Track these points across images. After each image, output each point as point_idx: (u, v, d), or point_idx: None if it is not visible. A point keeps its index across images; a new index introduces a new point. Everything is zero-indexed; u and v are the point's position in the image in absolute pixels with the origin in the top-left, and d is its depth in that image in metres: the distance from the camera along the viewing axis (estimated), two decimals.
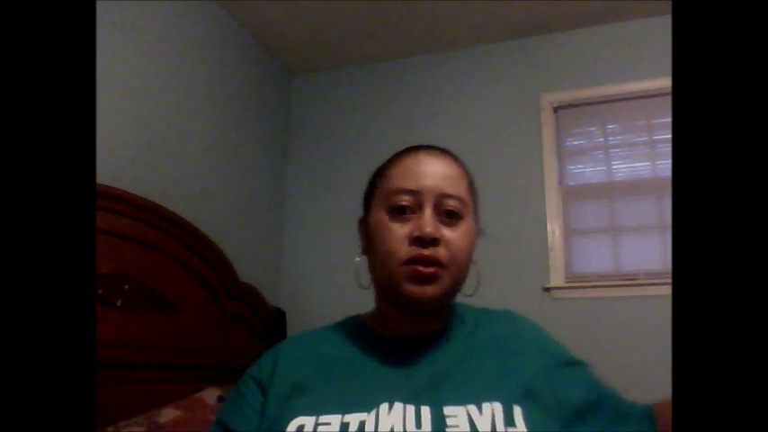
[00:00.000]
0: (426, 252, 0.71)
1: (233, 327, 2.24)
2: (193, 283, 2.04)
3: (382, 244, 0.74)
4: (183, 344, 1.94)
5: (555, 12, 2.58)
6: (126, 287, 1.72)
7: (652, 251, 2.39)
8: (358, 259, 0.80)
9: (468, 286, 0.79)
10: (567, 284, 2.45)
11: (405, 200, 0.74)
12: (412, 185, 0.74)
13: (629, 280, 2.39)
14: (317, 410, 0.67)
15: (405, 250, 0.72)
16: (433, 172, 0.75)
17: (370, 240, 0.78)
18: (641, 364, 2.14)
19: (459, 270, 0.74)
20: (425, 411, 0.64)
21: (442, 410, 0.64)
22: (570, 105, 2.65)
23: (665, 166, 2.47)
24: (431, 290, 0.72)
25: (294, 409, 0.68)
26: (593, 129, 2.63)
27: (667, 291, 2.24)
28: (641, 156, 2.54)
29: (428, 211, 0.73)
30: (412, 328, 0.77)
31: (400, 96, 2.93)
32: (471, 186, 0.80)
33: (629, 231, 2.46)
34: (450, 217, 0.74)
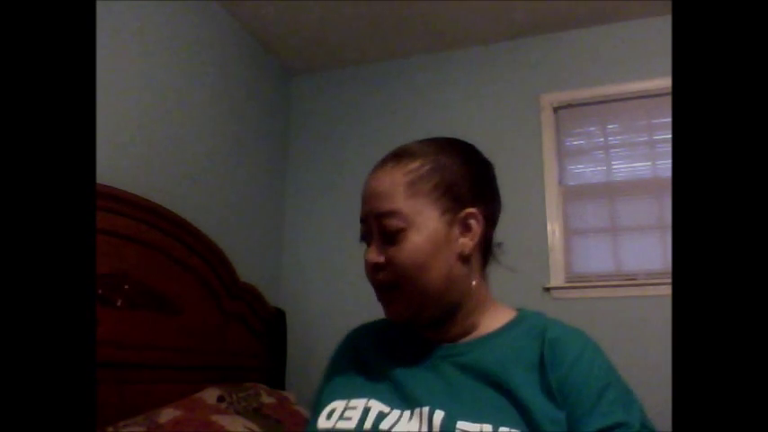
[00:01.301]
0: (375, 278, 0.74)
1: (233, 327, 2.24)
2: (193, 283, 2.04)
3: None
4: (183, 344, 1.94)
5: (555, 12, 2.58)
6: (126, 287, 1.72)
7: (652, 251, 2.39)
8: None
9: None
10: (567, 284, 2.45)
11: (362, 229, 0.76)
12: (361, 214, 0.76)
13: (629, 280, 2.39)
14: (348, 395, 0.72)
15: (369, 277, 0.75)
16: (369, 194, 0.75)
17: None
18: (641, 364, 2.14)
19: (417, 282, 0.70)
20: (438, 418, 0.64)
21: (455, 423, 0.63)
22: (570, 105, 2.65)
23: (665, 166, 2.47)
24: (393, 309, 0.74)
25: (331, 394, 0.74)
26: (593, 129, 2.63)
27: (667, 291, 2.24)
28: (641, 156, 2.54)
29: (374, 237, 0.74)
30: (434, 333, 0.77)
31: (400, 96, 2.93)
32: (418, 182, 0.72)
33: (629, 231, 2.46)
34: (390, 235, 0.71)
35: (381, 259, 0.72)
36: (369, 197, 0.75)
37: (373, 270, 0.73)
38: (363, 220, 0.76)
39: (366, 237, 0.76)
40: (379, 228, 0.72)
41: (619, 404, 0.65)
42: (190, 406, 1.62)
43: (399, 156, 0.76)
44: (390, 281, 0.72)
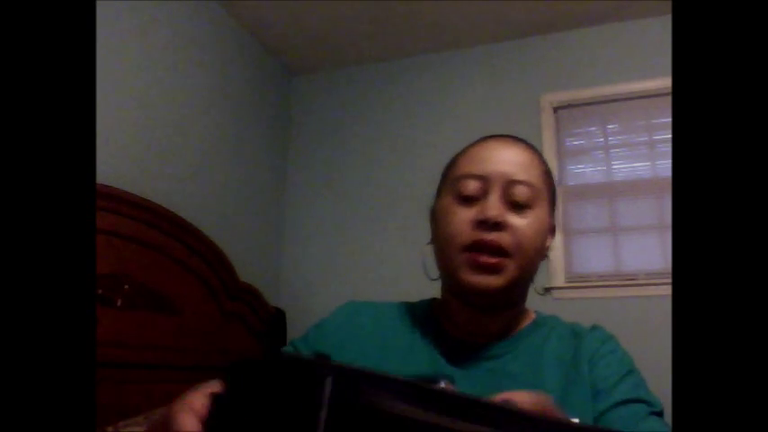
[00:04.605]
0: (489, 237, 0.67)
1: (233, 327, 2.24)
2: (193, 283, 2.04)
3: (444, 228, 0.71)
4: (182, 344, 1.94)
5: (555, 12, 2.58)
6: (126, 287, 1.72)
7: (652, 251, 2.39)
8: (426, 248, 0.77)
9: (539, 285, 0.78)
10: (567, 284, 2.45)
11: (471, 185, 0.71)
12: (478, 170, 0.71)
13: (629, 280, 2.38)
14: None
15: (467, 235, 0.68)
16: (501, 157, 0.72)
17: (435, 229, 0.75)
18: (641, 364, 2.14)
19: (527, 261, 0.69)
20: None
21: None
22: (570, 105, 2.65)
23: (665, 166, 2.47)
24: (493, 281, 0.67)
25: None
26: (593, 129, 2.63)
27: (667, 291, 2.24)
28: (641, 156, 2.54)
29: (494, 196, 0.69)
30: (474, 323, 0.73)
31: (400, 96, 2.93)
32: (546, 176, 0.75)
33: (629, 231, 2.46)
34: (518, 204, 0.69)
35: (506, 220, 0.68)
36: (504, 160, 0.71)
37: (493, 227, 0.67)
38: (481, 178, 0.70)
39: (469, 195, 0.70)
40: (508, 193, 0.69)
41: (642, 387, 0.68)
42: None
43: (528, 144, 0.77)
44: (508, 246, 0.67)
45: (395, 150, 2.83)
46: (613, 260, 2.45)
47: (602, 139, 2.62)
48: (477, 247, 0.67)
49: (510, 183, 0.70)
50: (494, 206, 0.68)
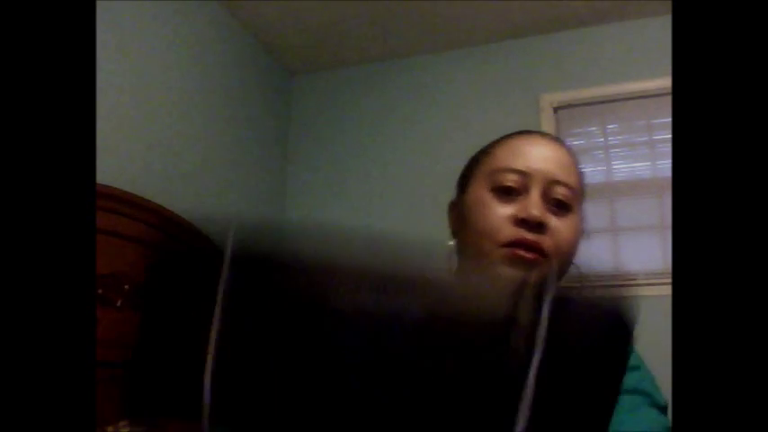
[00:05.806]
0: (530, 237, 0.65)
1: None
2: None
3: (480, 222, 0.69)
4: None
5: (555, 12, 2.58)
6: (126, 287, 1.72)
7: (652, 251, 2.39)
8: (451, 243, 0.74)
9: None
10: (567, 284, 2.44)
11: (511, 179, 0.68)
12: (520, 165, 0.69)
13: (629, 280, 2.38)
14: None
15: (506, 232, 0.66)
16: (545, 155, 0.70)
17: (464, 220, 0.72)
18: None
19: (562, 264, 0.68)
20: None
21: None
22: (570, 105, 2.65)
23: (665, 166, 2.47)
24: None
25: None
26: (593, 129, 2.63)
27: (667, 291, 2.24)
28: (641, 156, 2.54)
29: (536, 194, 0.67)
30: None
31: (400, 96, 2.93)
32: (583, 181, 0.73)
33: (629, 231, 2.46)
34: (559, 206, 0.68)
35: (547, 221, 0.66)
36: (547, 158, 0.69)
37: (535, 227, 0.65)
38: (522, 173, 0.68)
39: (508, 190, 0.68)
40: (550, 192, 0.68)
41: (646, 382, 0.66)
42: None
43: (568, 146, 0.75)
44: (547, 248, 0.66)
45: (395, 150, 2.83)
46: (613, 260, 2.45)
47: (602, 139, 2.62)
48: (517, 244, 0.66)
49: (552, 182, 0.68)
50: (536, 205, 0.66)
